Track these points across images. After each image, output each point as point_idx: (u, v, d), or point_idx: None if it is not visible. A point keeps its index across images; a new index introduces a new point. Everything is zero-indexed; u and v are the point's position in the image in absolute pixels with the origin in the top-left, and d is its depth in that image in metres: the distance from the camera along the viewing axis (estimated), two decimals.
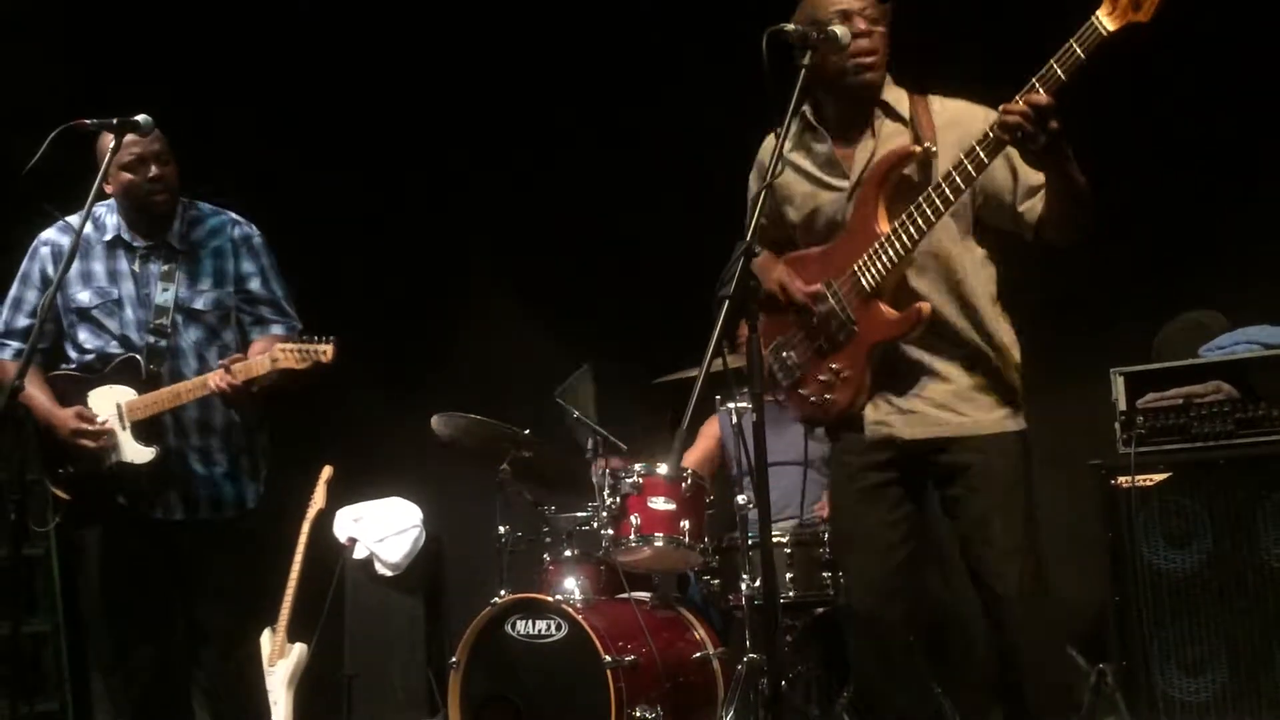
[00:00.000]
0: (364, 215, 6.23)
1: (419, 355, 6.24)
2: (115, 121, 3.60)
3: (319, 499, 5.61)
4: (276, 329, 3.96)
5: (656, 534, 4.33)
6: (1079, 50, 2.68)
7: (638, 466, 4.45)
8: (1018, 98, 2.73)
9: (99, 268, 3.91)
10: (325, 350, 3.66)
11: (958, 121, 3.05)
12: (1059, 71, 2.70)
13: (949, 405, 3.07)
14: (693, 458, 5.04)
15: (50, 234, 3.95)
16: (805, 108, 3.19)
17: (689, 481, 4.41)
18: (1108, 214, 3.00)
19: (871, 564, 3.14)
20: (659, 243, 5.54)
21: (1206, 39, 4.52)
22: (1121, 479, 4.10)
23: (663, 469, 4.42)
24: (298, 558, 5.44)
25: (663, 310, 5.20)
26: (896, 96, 3.14)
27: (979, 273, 3.11)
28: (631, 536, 4.34)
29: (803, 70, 2.83)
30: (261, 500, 3.99)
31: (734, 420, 4.36)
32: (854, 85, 3.09)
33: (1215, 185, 4.72)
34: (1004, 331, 3.13)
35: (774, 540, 4.29)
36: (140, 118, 3.67)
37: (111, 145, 3.59)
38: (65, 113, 3.48)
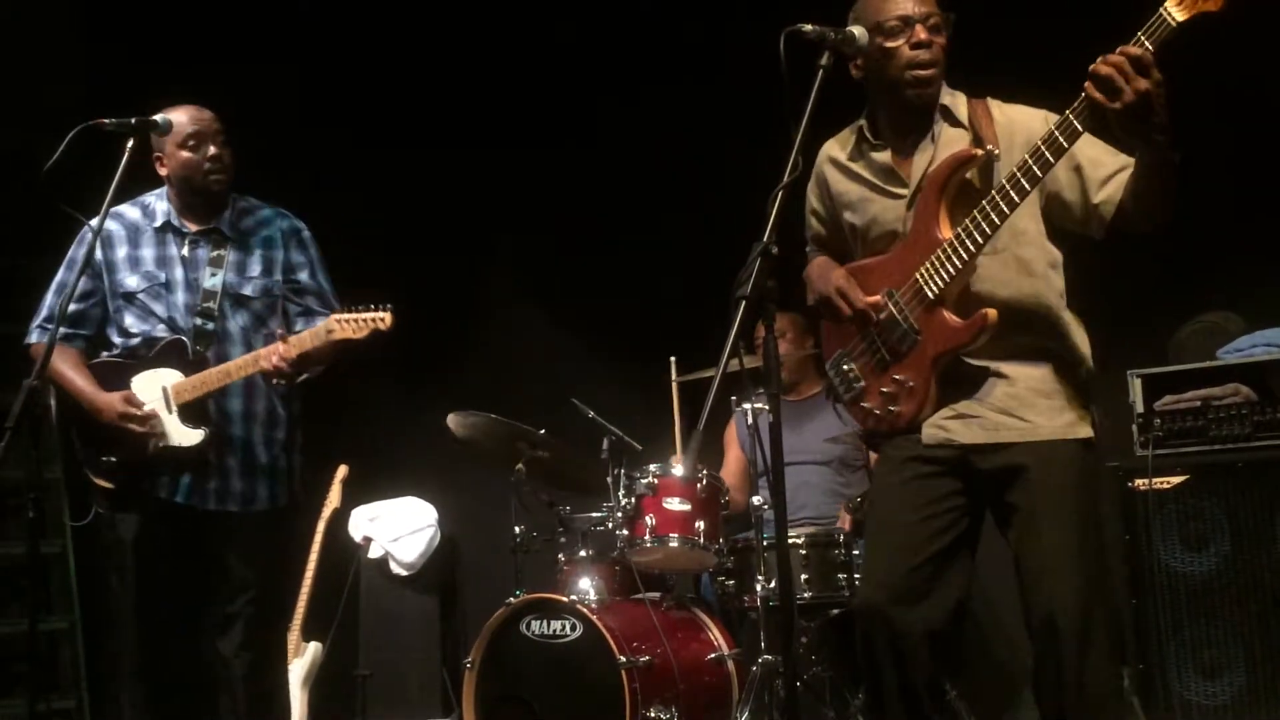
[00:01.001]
0: (381, 213, 6.23)
1: (435, 355, 6.25)
2: (133, 121, 3.62)
3: (334, 498, 5.62)
4: (321, 322, 3.91)
5: (671, 535, 4.34)
6: (1147, 44, 2.61)
7: (653, 467, 4.46)
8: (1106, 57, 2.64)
9: (148, 253, 3.90)
10: (384, 317, 3.64)
11: (1019, 124, 2.99)
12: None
13: (1010, 410, 2.97)
14: (729, 470, 5.03)
15: (106, 222, 3.92)
16: (862, 120, 3.16)
17: (704, 482, 4.41)
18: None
19: (886, 558, 3.02)
20: (678, 242, 5.54)
21: (1222, 37, 4.49)
22: (1139, 481, 4.09)
23: (678, 469, 4.42)
24: (313, 556, 5.46)
25: (680, 310, 5.20)
26: (954, 100, 3.09)
27: (1049, 274, 3.03)
28: (646, 537, 4.35)
29: (820, 71, 2.82)
30: (294, 495, 3.97)
31: (750, 420, 4.36)
32: (909, 98, 3.04)
33: (1234, 187, 4.70)
34: (1076, 333, 3.05)
35: (790, 541, 4.29)
36: (159, 117, 3.70)
37: (130, 145, 3.59)
38: (84, 112, 3.50)
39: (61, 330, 3.83)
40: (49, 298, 3.95)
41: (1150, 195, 2.85)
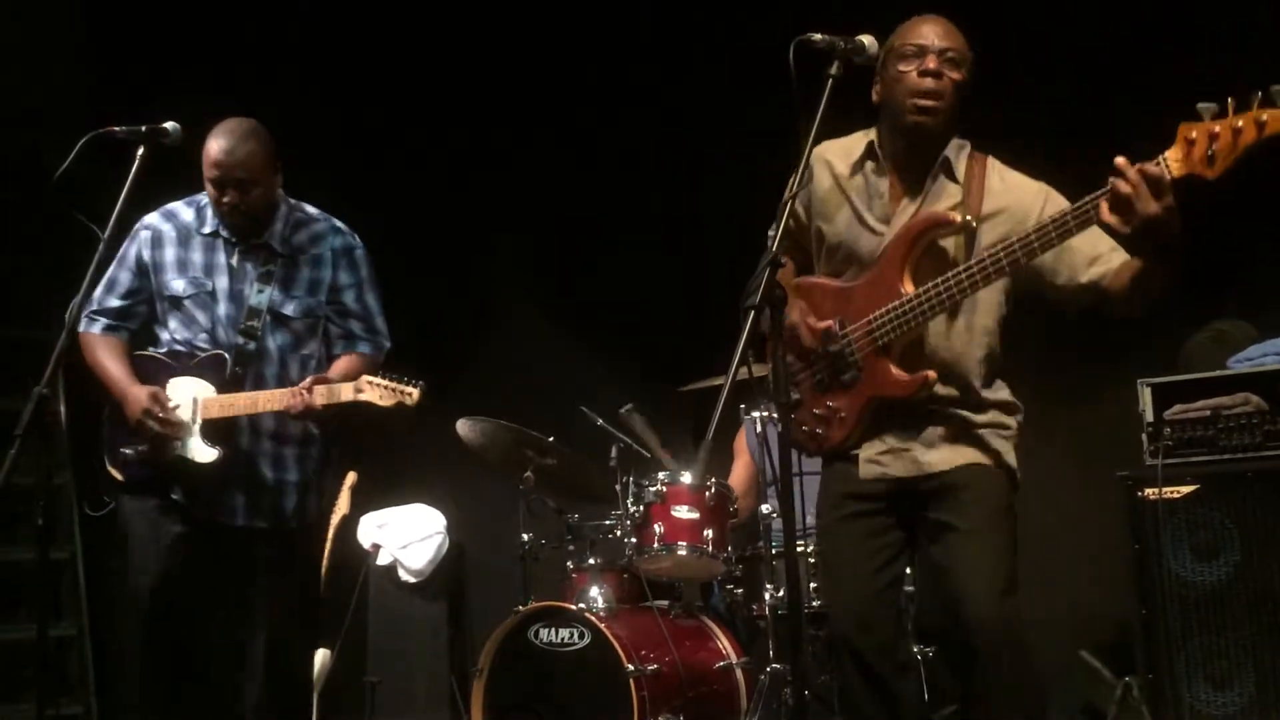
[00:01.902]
0: (390, 220, 6.23)
1: (444, 362, 6.23)
2: (143, 130, 3.61)
3: (343, 505, 5.60)
4: (363, 347, 3.96)
5: (680, 543, 4.33)
6: (1169, 165, 2.63)
7: (662, 475, 4.46)
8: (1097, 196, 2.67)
9: (197, 258, 3.89)
10: (412, 393, 3.64)
11: (1012, 194, 3.00)
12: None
13: (939, 446, 3.07)
14: (738, 476, 5.03)
15: (152, 218, 3.95)
16: (872, 134, 3.16)
17: (712, 490, 4.41)
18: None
19: (848, 591, 3.14)
20: (686, 249, 5.54)
21: (1228, 43, 4.50)
22: (1148, 491, 4.08)
23: (686, 477, 4.42)
24: (322, 564, 5.45)
25: (689, 319, 5.20)
26: (958, 155, 3.09)
27: (993, 337, 3.10)
28: (655, 545, 4.34)
29: (829, 80, 2.82)
30: (319, 514, 4.03)
31: (759, 429, 4.36)
32: (909, 126, 3.04)
33: (1244, 195, 4.68)
34: (1004, 395, 3.13)
35: (798, 550, 4.28)
36: (169, 125, 3.70)
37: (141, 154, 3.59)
38: (95, 119, 3.51)
39: (105, 322, 3.91)
40: (100, 290, 3.93)
41: (1145, 290, 2.89)
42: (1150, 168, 2.61)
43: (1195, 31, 4.64)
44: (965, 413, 3.08)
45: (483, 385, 6.08)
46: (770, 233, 2.74)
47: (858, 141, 3.19)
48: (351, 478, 5.66)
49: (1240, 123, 2.54)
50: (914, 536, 3.14)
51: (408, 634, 5.81)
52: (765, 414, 4.42)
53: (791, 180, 2.84)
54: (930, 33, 3.03)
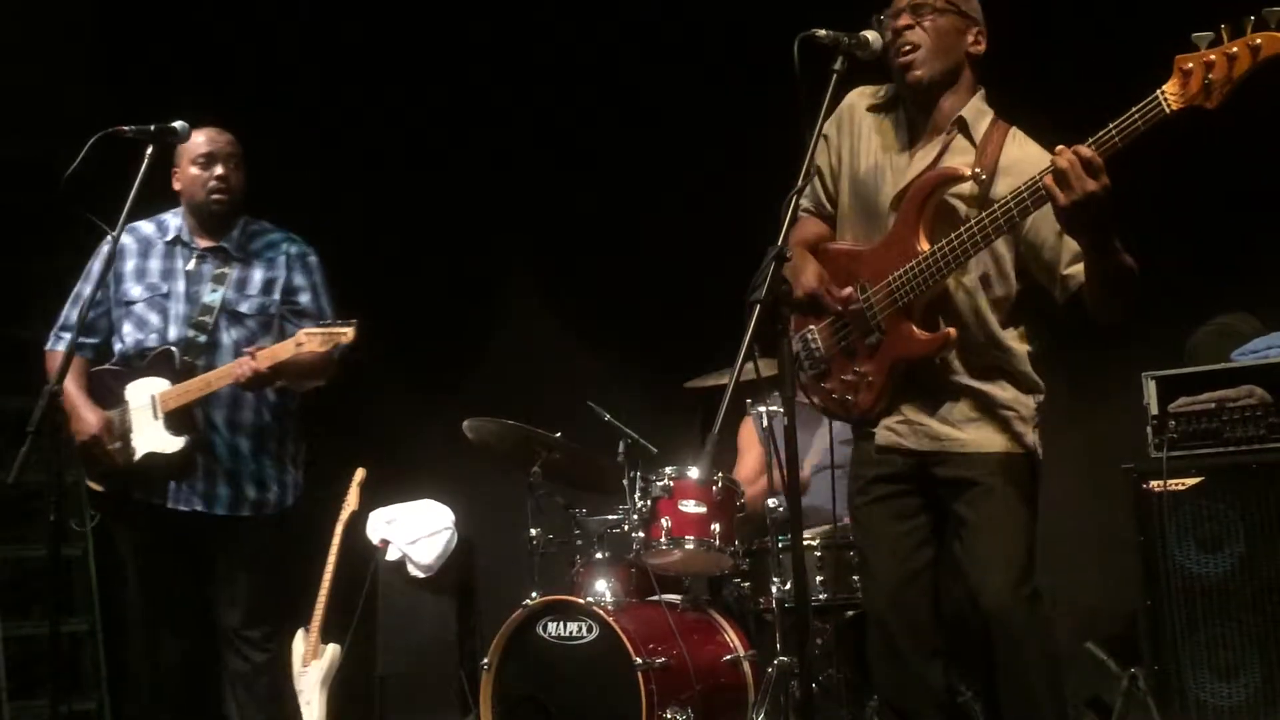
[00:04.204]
0: (399, 219, 6.26)
1: (452, 358, 6.27)
2: (153, 128, 3.65)
3: (352, 501, 5.64)
4: None
5: (687, 537, 4.34)
6: (1139, 121, 2.64)
7: (669, 469, 4.47)
8: (1071, 148, 2.69)
9: (155, 265, 3.99)
10: (346, 331, 3.70)
11: (1026, 161, 3.00)
12: (1116, 137, 2.67)
13: (957, 424, 3.08)
14: (747, 470, 5.03)
15: (122, 236, 4.01)
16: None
17: (719, 485, 4.42)
18: (1138, 217, 2.98)
19: (882, 573, 3.16)
20: (692, 246, 5.55)
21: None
22: (1153, 483, 4.09)
23: (694, 472, 4.44)
24: (331, 559, 5.48)
25: (695, 313, 5.21)
26: (978, 116, 3.11)
27: (1011, 307, 3.09)
28: (662, 539, 4.35)
29: (834, 75, 2.84)
30: (285, 506, 4.01)
31: (765, 423, 4.37)
32: (901, 85, 3.11)
33: (1249, 188, 4.69)
34: (1025, 363, 3.11)
35: (804, 543, 4.30)
36: (178, 124, 3.72)
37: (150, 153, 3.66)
38: (105, 120, 3.54)
39: (69, 338, 3.91)
40: (67, 307, 4.05)
41: (1097, 295, 2.91)
42: (1083, 150, 2.65)
43: None
44: (984, 388, 3.07)
45: (490, 382, 6.11)
46: (797, 191, 2.74)
47: (887, 89, 3.23)
48: (360, 474, 5.70)
49: (1235, 49, 2.53)
50: (941, 522, 3.14)
51: (416, 629, 5.84)
52: (772, 408, 4.42)
53: (810, 164, 2.85)
54: (896, 4, 3.09)
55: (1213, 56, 2.55)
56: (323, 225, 4.33)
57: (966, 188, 3.04)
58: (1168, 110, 2.61)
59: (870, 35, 2.92)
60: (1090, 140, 2.68)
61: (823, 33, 2.83)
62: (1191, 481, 4.05)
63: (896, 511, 3.15)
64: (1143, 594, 4.09)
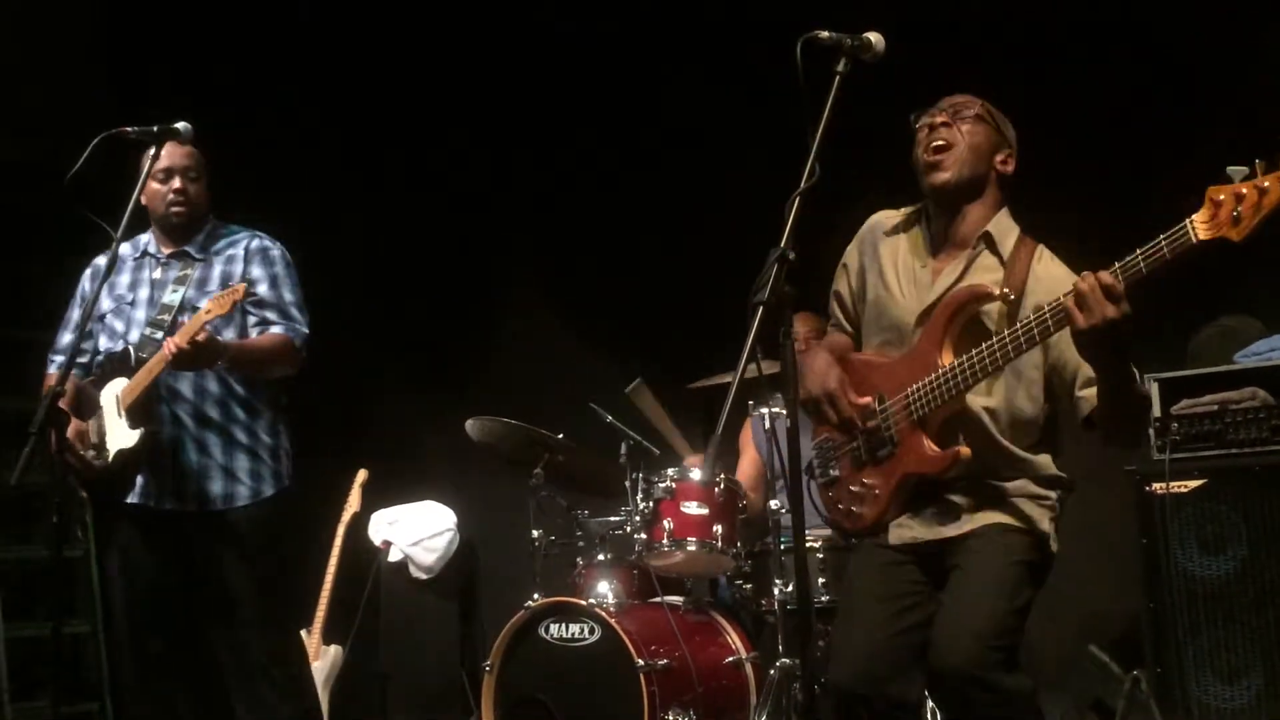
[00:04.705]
0: (403, 220, 6.27)
1: (455, 359, 6.28)
2: (156, 129, 3.68)
3: (354, 502, 5.65)
4: (277, 328, 3.97)
5: (689, 538, 4.35)
6: (1166, 250, 2.62)
7: (671, 471, 4.47)
8: (1094, 275, 2.66)
9: (124, 279, 4.05)
10: (238, 289, 3.70)
11: (1048, 281, 2.97)
12: (1142, 265, 2.64)
13: (968, 513, 3.03)
14: (745, 472, 5.03)
15: (98, 257, 4.09)
16: (923, 204, 3.18)
17: (721, 486, 4.42)
18: (1141, 221, 2.97)
19: (851, 641, 3.07)
20: (695, 248, 5.55)
21: (1238, 46, 4.50)
22: (1156, 485, 4.09)
23: (696, 474, 4.44)
24: (333, 560, 5.49)
25: (698, 315, 5.21)
26: (1004, 231, 3.09)
27: (1033, 430, 3.05)
28: (664, 541, 4.36)
29: (836, 78, 2.83)
30: (260, 497, 3.96)
31: (767, 425, 4.37)
32: (930, 189, 3.08)
33: None
34: (1045, 470, 3.06)
35: (807, 545, 4.30)
36: (180, 125, 3.73)
37: (150, 155, 3.71)
38: (108, 125, 3.55)
39: (60, 360, 4.02)
40: (59, 331, 4.11)
41: (1108, 418, 2.89)
42: (1105, 276, 2.63)
43: (1228, 92, 4.63)
44: (999, 483, 3.03)
45: (493, 383, 6.11)
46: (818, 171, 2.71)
47: (909, 211, 3.23)
48: (363, 475, 5.71)
49: (1266, 183, 2.51)
50: (936, 585, 3.07)
51: (419, 630, 5.85)
52: (774, 410, 4.42)
53: (812, 165, 2.83)
54: (939, 104, 3.10)
55: (1244, 190, 2.53)
56: (327, 227, 4.34)
57: (995, 307, 3.01)
58: (1194, 239, 2.58)
59: (873, 37, 2.90)
60: (1116, 265, 2.66)
61: (825, 34, 2.82)
62: (1194, 484, 4.05)
63: (887, 571, 3.08)
64: (1145, 596, 4.09)
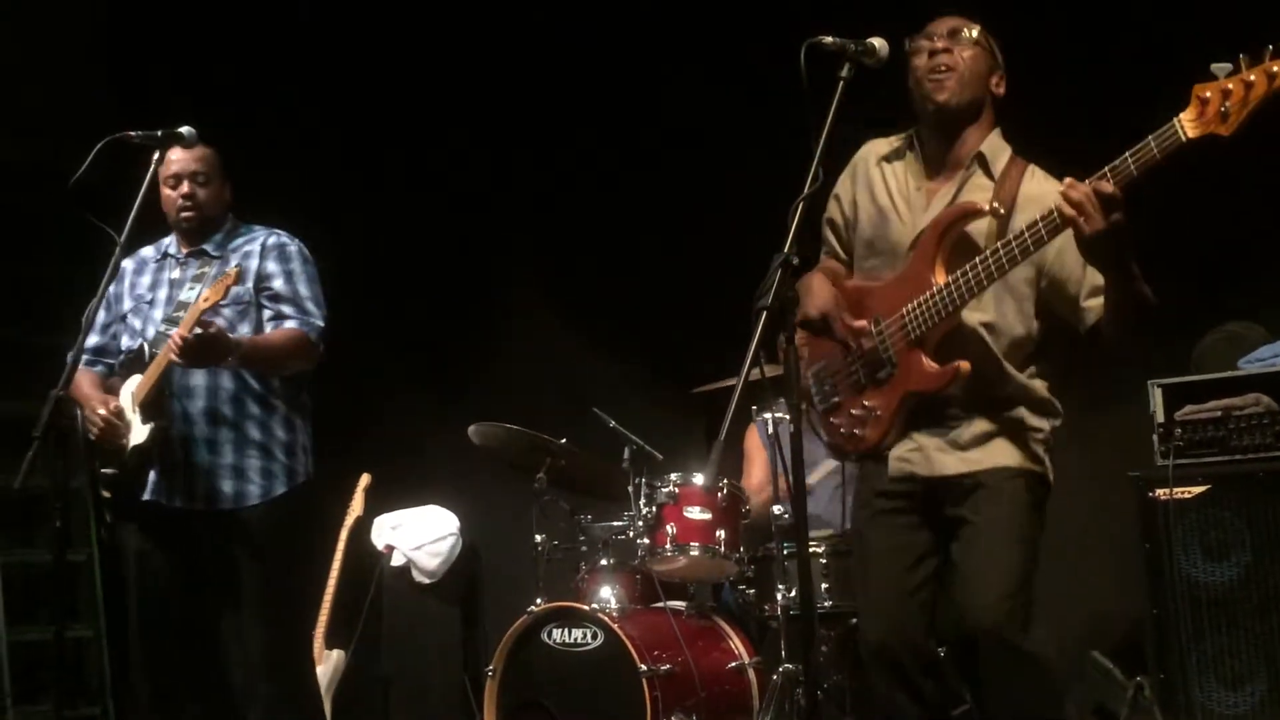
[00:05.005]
0: (404, 221, 6.27)
1: (458, 364, 6.28)
2: (160, 134, 3.69)
3: (357, 506, 5.65)
4: (291, 322, 3.95)
5: (692, 543, 4.35)
6: (1155, 150, 2.64)
7: (674, 476, 4.47)
8: (1087, 181, 2.69)
9: (145, 280, 4.06)
10: (230, 273, 3.70)
11: (1039, 198, 2.99)
12: (1132, 166, 2.66)
13: (970, 447, 3.05)
14: (757, 478, 5.02)
15: (124, 259, 4.05)
16: (913, 129, 3.20)
17: (725, 491, 4.42)
18: (1145, 225, 2.97)
19: (881, 590, 3.13)
20: (698, 253, 5.55)
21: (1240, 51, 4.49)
22: (1160, 491, 4.09)
23: (699, 479, 4.44)
24: (335, 565, 5.48)
25: (702, 320, 5.21)
26: (997, 151, 3.11)
27: (1028, 345, 3.08)
28: (667, 546, 4.36)
29: (841, 83, 2.84)
30: (271, 496, 3.93)
31: (770, 430, 4.37)
32: (931, 110, 3.08)
33: (1255, 195, 4.69)
34: (1040, 397, 3.09)
35: (810, 550, 4.30)
36: (184, 129, 3.74)
37: (156, 159, 3.73)
38: (112, 127, 3.55)
39: (87, 358, 4.01)
40: (87, 331, 4.06)
41: (1117, 325, 2.92)
42: (1104, 186, 2.65)
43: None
44: (996, 414, 3.06)
45: (496, 388, 6.11)
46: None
47: (900, 137, 3.23)
48: (365, 479, 5.70)
49: (1252, 76, 2.54)
50: (941, 537, 3.11)
51: (421, 634, 5.84)
52: (778, 414, 4.42)
53: (816, 170, 2.85)
54: (934, 26, 3.10)
55: (1230, 85, 2.56)
56: (329, 231, 4.33)
57: (985, 222, 3.02)
58: (1183, 138, 2.61)
59: (877, 42, 2.92)
60: (1106, 168, 2.68)
61: (829, 40, 2.84)
62: (1198, 490, 4.05)
63: (896, 528, 3.12)
64: (1149, 602, 4.08)
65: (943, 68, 3.06)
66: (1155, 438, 4.17)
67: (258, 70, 5.99)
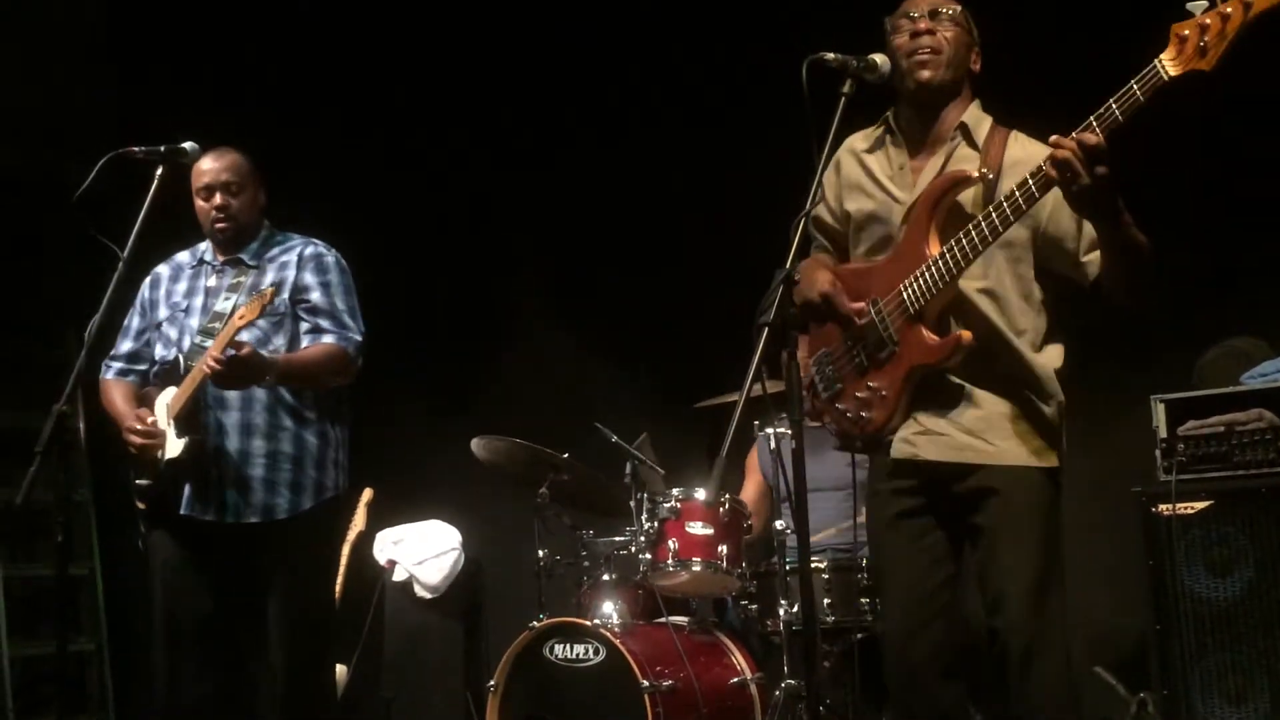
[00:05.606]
0: (408, 237, 6.28)
1: (461, 379, 6.28)
2: (163, 150, 3.70)
3: (359, 521, 5.64)
4: (329, 337, 3.94)
5: (694, 559, 4.35)
6: (1139, 92, 2.63)
7: (676, 491, 4.47)
8: (1072, 134, 2.69)
9: (181, 287, 4.06)
10: (267, 292, 3.70)
11: (1025, 160, 2.98)
12: (1117, 112, 2.65)
13: (977, 432, 3.03)
14: (748, 495, 5.02)
15: (160, 265, 4.15)
16: (889, 113, 3.19)
17: (727, 506, 4.42)
18: (1149, 237, 2.97)
19: (901, 591, 3.13)
20: (700, 268, 5.56)
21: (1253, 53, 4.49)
22: (1162, 506, 4.08)
23: (701, 494, 4.44)
24: (338, 580, 5.47)
25: (704, 336, 5.22)
26: (978, 121, 3.12)
27: (1029, 311, 3.06)
28: (669, 561, 4.36)
29: (842, 99, 2.85)
30: (299, 509, 3.91)
31: (772, 445, 4.37)
32: (914, 88, 3.07)
33: (1258, 210, 4.69)
34: (1044, 371, 3.07)
35: (812, 566, 4.29)
36: (187, 145, 3.75)
37: (159, 174, 3.72)
38: (117, 137, 3.56)
39: (118, 367, 4.08)
40: (119, 338, 4.13)
41: (1118, 276, 2.92)
42: (1088, 138, 2.66)
43: None
44: (1001, 392, 3.04)
45: (499, 402, 6.11)
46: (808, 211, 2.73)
47: (876, 127, 3.23)
48: (368, 494, 5.70)
49: (1229, 8, 2.54)
50: (958, 539, 3.11)
51: (423, 649, 5.83)
52: (779, 431, 4.42)
53: (816, 190, 2.85)
54: (913, 4, 3.10)
55: (1208, 19, 2.56)
56: (334, 244, 4.33)
57: (974, 191, 3.02)
58: (1165, 77, 2.61)
59: (878, 58, 2.94)
60: (1091, 117, 2.68)
61: (831, 56, 2.85)
62: (1200, 505, 4.04)
63: (912, 532, 3.11)
64: (1152, 618, 4.07)
65: (928, 49, 3.06)
66: (1158, 453, 4.16)
67: (261, 83, 6.01)
